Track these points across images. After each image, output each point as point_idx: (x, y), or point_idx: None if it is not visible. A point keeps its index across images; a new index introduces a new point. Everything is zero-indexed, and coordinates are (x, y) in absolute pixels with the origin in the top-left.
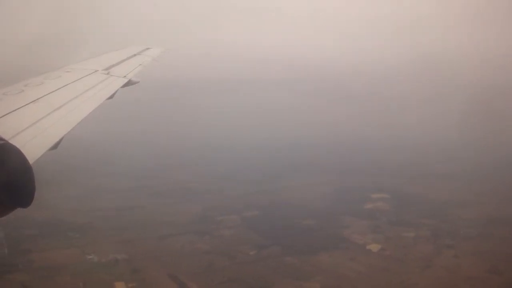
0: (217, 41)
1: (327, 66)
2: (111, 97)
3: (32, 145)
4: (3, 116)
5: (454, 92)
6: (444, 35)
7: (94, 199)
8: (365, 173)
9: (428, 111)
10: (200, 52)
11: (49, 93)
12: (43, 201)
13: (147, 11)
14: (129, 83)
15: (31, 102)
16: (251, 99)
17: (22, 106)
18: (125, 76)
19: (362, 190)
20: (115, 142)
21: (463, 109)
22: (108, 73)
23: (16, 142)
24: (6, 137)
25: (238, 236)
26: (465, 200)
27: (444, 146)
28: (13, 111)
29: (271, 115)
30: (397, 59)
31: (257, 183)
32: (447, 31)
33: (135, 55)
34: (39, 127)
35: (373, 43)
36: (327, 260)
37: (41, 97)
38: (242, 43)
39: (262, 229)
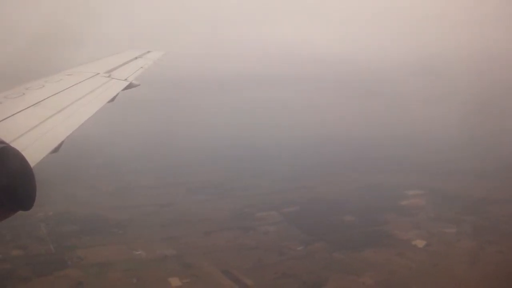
0: (234, 39)
1: (350, 62)
2: (112, 100)
3: (33, 148)
4: (4, 119)
5: (486, 89)
6: (460, 31)
7: (131, 196)
8: (396, 170)
9: (457, 108)
10: (217, 51)
11: (50, 96)
12: (81, 197)
13: (149, 13)
14: (130, 86)
15: (32, 105)
16: (281, 97)
17: (23, 109)
18: (126, 79)
19: (395, 187)
20: (139, 142)
21: (495, 107)
22: (109, 76)
23: (17, 145)
24: (7, 140)
25: (282, 232)
26: (501, 198)
27: (472, 143)
28: (14, 114)
29: (299, 112)
30: (420, 54)
31: (290, 180)
32: (463, 27)
33: (136, 58)
34: (40, 130)
35: (394, 38)
36: (375, 256)
37: (42, 100)
38: (259, 40)
39: (304, 225)
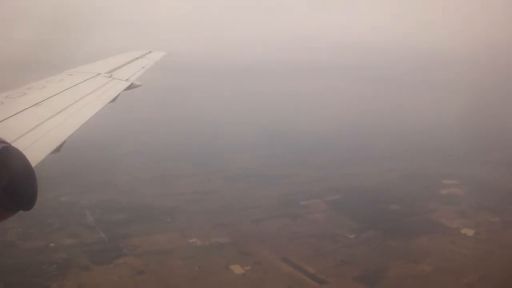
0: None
1: (390, 51)
2: (113, 100)
3: (35, 148)
4: (5, 119)
5: None
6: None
7: (171, 184)
8: (431, 160)
9: (490, 99)
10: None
11: (51, 96)
12: (121, 186)
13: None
14: (131, 87)
15: (33, 105)
16: (324, 86)
17: (25, 109)
18: (127, 80)
19: (432, 176)
20: (173, 131)
21: None
22: (110, 77)
23: (19, 145)
24: (8, 139)
25: (331, 220)
26: None
27: (503, 133)
28: (16, 114)
29: (335, 102)
30: (465, 47)
31: (330, 169)
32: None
33: (137, 58)
34: (41, 130)
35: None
36: (429, 244)
37: (43, 100)
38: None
39: (351, 213)
